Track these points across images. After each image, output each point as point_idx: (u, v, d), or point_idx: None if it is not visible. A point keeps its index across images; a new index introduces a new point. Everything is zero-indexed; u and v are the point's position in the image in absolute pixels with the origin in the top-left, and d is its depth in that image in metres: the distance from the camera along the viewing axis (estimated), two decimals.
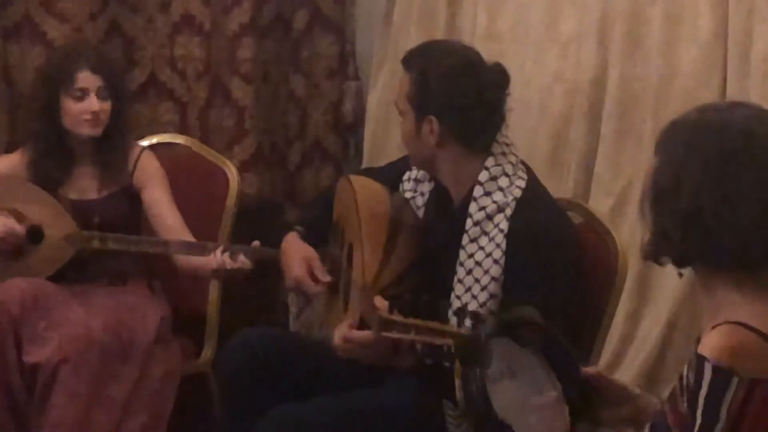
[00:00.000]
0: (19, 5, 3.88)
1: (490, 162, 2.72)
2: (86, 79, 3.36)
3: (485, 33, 3.82)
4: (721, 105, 1.95)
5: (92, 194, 3.45)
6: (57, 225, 3.35)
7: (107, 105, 3.39)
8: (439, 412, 2.67)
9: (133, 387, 3.22)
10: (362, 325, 2.60)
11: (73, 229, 3.34)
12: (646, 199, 1.94)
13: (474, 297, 2.65)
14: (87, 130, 3.38)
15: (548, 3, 3.72)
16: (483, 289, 2.64)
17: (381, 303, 2.50)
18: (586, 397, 2.10)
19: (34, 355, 3.13)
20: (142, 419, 3.22)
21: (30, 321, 3.16)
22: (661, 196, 1.91)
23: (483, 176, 2.71)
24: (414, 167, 2.92)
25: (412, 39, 4.01)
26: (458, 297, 2.67)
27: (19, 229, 3.32)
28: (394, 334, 2.36)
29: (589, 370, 2.12)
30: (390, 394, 2.78)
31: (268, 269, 3.29)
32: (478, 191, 2.70)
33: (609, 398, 2.12)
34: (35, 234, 3.35)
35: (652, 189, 1.93)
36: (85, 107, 3.35)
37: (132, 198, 3.47)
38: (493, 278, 2.64)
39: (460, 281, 2.68)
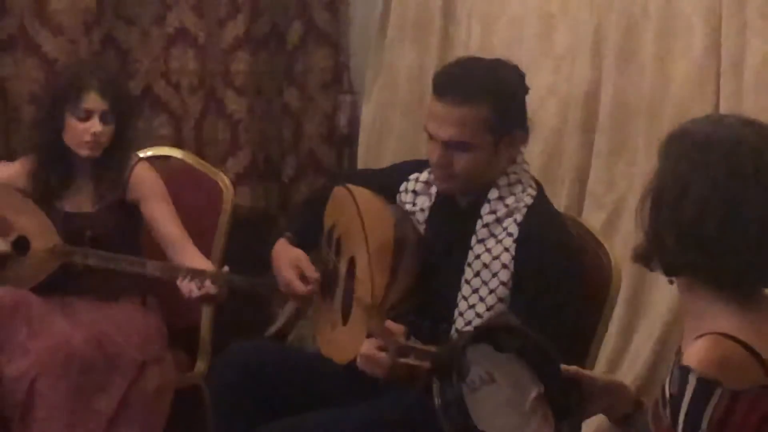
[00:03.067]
0: (13, 17, 3.86)
1: (512, 168, 2.76)
2: (93, 101, 3.32)
3: (479, 46, 3.82)
4: (731, 120, 1.92)
5: (87, 208, 3.42)
6: (43, 237, 3.33)
7: (109, 129, 3.34)
8: (437, 428, 2.66)
9: (122, 399, 3.19)
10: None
11: (58, 242, 3.34)
12: (646, 203, 1.92)
13: (482, 299, 2.66)
14: (85, 152, 3.34)
15: (542, 16, 3.73)
16: (491, 292, 2.65)
17: (398, 328, 2.45)
18: (568, 396, 2.09)
19: (13, 366, 3.11)
20: None
21: (12, 327, 3.13)
22: (663, 204, 1.89)
23: (503, 180, 2.74)
24: (416, 180, 2.90)
25: (406, 52, 4.02)
26: (465, 298, 2.68)
27: (6, 238, 3.31)
28: (410, 361, 2.33)
29: (568, 368, 2.11)
30: (387, 409, 2.74)
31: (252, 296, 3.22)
32: (493, 194, 2.72)
33: (589, 394, 2.11)
34: (21, 244, 3.34)
35: (653, 194, 1.91)
36: (87, 128, 3.31)
37: (127, 210, 3.43)
38: (501, 282, 2.65)
39: (467, 282, 2.69)
